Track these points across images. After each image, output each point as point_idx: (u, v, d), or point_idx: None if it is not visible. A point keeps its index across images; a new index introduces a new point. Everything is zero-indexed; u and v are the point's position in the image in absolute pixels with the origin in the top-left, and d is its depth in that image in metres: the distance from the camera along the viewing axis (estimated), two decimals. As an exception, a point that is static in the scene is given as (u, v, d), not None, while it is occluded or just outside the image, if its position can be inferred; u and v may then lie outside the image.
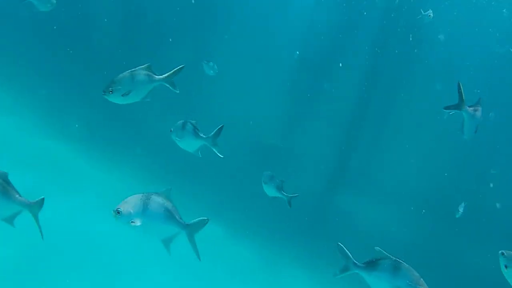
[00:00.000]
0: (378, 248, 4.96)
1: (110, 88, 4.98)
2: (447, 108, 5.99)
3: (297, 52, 14.46)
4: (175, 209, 4.45)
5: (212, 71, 11.18)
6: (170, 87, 5.40)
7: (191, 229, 4.55)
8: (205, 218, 4.57)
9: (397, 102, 17.45)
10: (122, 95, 5.04)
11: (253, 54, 16.81)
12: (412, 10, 16.80)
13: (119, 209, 4.20)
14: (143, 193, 4.35)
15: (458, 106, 5.92)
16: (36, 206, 4.35)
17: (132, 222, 4.18)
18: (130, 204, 4.23)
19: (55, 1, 8.58)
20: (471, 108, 6.02)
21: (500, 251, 4.70)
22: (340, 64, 17.42)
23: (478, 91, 14.15)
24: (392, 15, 16.92)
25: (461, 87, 5.82)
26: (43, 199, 4.38)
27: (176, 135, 5.68)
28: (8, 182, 4.28)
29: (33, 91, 14.23)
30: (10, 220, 4.37)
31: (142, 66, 5.25)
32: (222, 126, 5.69)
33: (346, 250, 4.96)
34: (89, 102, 12.76)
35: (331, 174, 16.21)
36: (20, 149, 12.35)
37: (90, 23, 15.90)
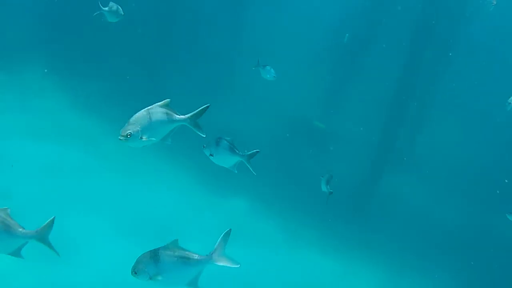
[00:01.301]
0: None
1: (129, 132, 4.29)
2: None
3: (347, 34, 14.12)
4: (187, 252, 4.20)
5: (269, 75, 10.75)
6: (194, 129, 4.66)
7: (219, 254, 4.22)
8: (228, 229, 4.25)
9: (441, 79, 16.97)
10: (141, 138, 4.37)
11: (293, 33, 16.63)
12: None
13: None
14: (149, 251, 4.13)
15: None
16: (44, 233, 4.23)
17: (150, 278, 4.06)
18: (142, 262, 4.07)
19: (123, 13, 8.60)
20: None
21: None
22: (384, 45, 17.03)
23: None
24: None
25: None
26: (51, 220, 4.19)
27: (210, 151, 5.46)
28: (10, 217, 4.17)
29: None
30: (17, 253, 4.36)
31: (160, 103, 4.53)
32: (258, 151, 5.54)
33: None
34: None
35: (375, 155, 15.95)
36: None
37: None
